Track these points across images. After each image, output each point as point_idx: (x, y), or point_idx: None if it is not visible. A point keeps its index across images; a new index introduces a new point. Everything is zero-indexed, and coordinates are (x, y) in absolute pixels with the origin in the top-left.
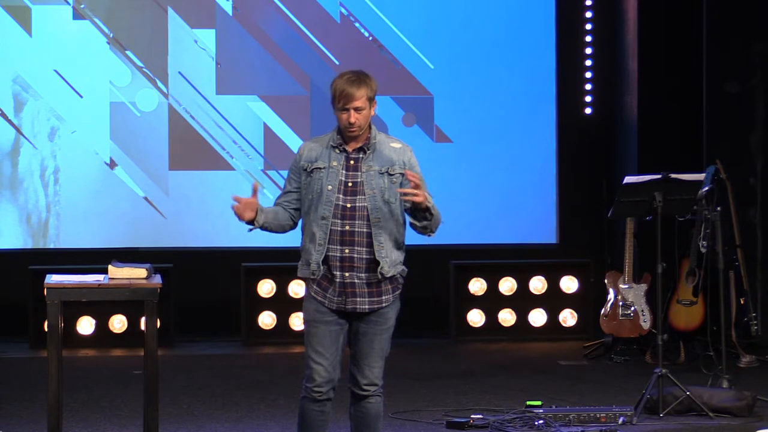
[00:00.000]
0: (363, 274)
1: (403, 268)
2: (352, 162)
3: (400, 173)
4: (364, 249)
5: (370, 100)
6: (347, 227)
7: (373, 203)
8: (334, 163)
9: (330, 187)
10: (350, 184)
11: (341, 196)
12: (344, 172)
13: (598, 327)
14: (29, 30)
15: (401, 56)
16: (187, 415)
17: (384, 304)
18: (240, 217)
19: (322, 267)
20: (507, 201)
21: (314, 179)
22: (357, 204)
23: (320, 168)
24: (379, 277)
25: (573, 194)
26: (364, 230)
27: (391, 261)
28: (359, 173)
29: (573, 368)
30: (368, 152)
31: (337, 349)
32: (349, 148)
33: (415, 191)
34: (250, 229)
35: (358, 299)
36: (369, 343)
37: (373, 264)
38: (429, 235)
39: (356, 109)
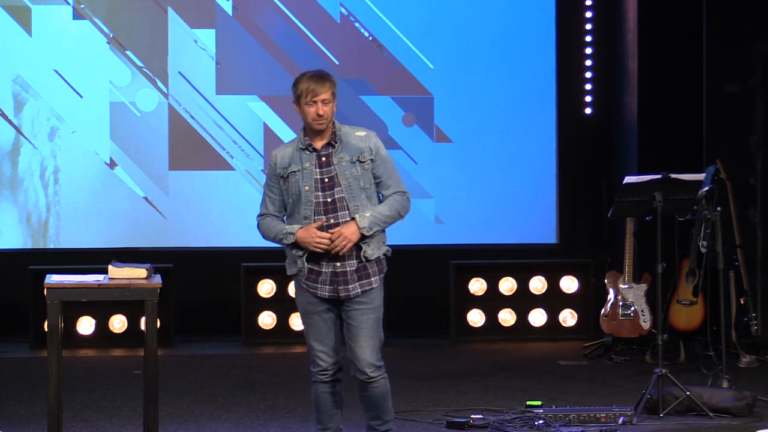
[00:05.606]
0: (352, 261)
1: (387, 248)
2: (323, 159)
3: (371, 159)
4: None
5: (334, 95)
6: (332, 221)
7: (350, 193)
8: (307, 164)
9: (307, 188)
10: (326, 180)
11: (319, 193)
12: (318, 170)
13: (598, 327)
14: (29, 30)
15: (401, 56)
16: (187, 415)
17: (374, 285)
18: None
19: (307, 264)
20: (507, 201)
21: (291, 183)
22: (336, 196)
23: (295, 171)
24: (363, 260)
25: (573, 194)
26: (348, 220)
27: (374, 245)
28: (332, 167)
29: (573, 368)
30: (336, 145)
31: (335, 334)
32: (318, 146)
33: (336, 245)
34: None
35: (350, 286)
36: (358, 324)
37: (358, 251)
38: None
39: (323, 102)
